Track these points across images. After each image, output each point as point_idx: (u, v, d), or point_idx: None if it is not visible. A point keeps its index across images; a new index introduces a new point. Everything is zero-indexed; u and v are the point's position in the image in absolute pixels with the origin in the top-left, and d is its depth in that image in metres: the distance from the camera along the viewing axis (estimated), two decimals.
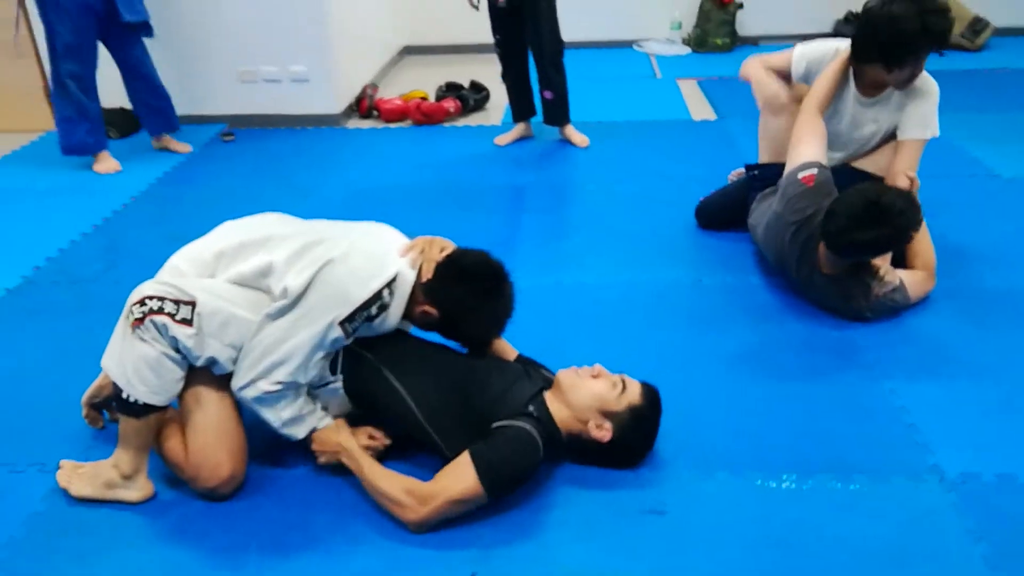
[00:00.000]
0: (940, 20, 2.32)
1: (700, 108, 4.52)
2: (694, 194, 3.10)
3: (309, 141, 4.15)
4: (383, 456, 1.81)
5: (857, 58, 2.49)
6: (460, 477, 1.64)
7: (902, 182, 2.45)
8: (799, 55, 2.69)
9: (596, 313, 2.48)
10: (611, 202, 3.34)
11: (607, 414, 1.74)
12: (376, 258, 1.79)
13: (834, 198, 2.29)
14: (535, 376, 1.86)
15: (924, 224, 2.56)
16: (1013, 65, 5.13)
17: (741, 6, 5.63)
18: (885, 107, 2.59)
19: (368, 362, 1.82)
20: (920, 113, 2.50)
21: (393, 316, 1.80)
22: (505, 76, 3.89)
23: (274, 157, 3.96)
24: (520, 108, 4.00)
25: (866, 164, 2.72)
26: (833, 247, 2.24)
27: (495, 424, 1.71)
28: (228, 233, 1.91)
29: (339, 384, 1.82)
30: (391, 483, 1.69)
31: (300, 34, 4.14)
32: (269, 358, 1.70)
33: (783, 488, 1.76)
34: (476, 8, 3.78)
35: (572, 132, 4.01)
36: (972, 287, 2.54)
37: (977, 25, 5.54)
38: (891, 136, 2.65)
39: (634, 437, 1.78)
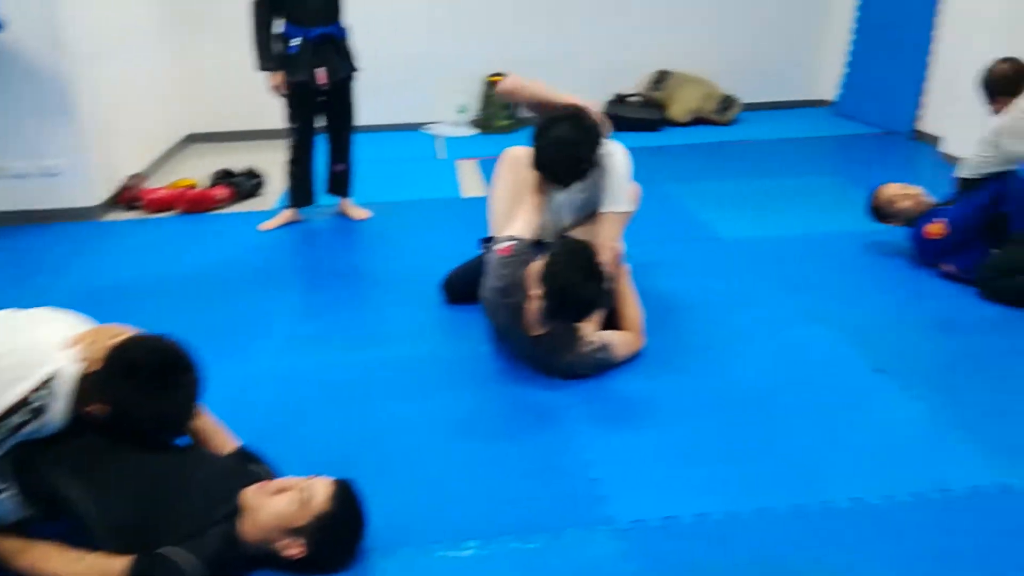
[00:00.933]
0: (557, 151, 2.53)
1: (473, 186, 4.72)
2: (447, 269, 3.21)
3: (55, 238, 3.94)
4: None
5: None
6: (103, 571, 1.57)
7: (604, 254, 2.63)
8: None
9: (327, 395, 2.48)
10: (366, 280, 3.39)
11: (294, 531, 1.69)
12: (25, 356, 1.69)
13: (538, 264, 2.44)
14: (244, 477, 1.81)
15: (630, 287, 2.78)
16: (756, 137, 5.75)
17: None
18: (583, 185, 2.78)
19: (47, 463, 1.71)
20: (610, 189, 2.71)
21: (56, 418, 1.71)
22: (297, 162, 3.90)
23: (14, 256, 3.73)
24: (303, 194, 4.02)
25: (580, 235, 2.92)
26: (551, 307, 2.37)
27: (170, 547, 1.64)
28: None
29: (11, 492, 1.70)
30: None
31: (48, 128, 3.98)
32: None
33: (464, 556, 1.80)
34: (285, 96, 3.74)
35: (352, 207, 4.11)
36: (680, 342, 2.75)
37: (726, 102, 6.19)
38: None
39: (327, 545, 1.73)
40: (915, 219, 3.33)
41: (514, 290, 2.45)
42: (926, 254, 3.25)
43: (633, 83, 6.31)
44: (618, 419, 2.31)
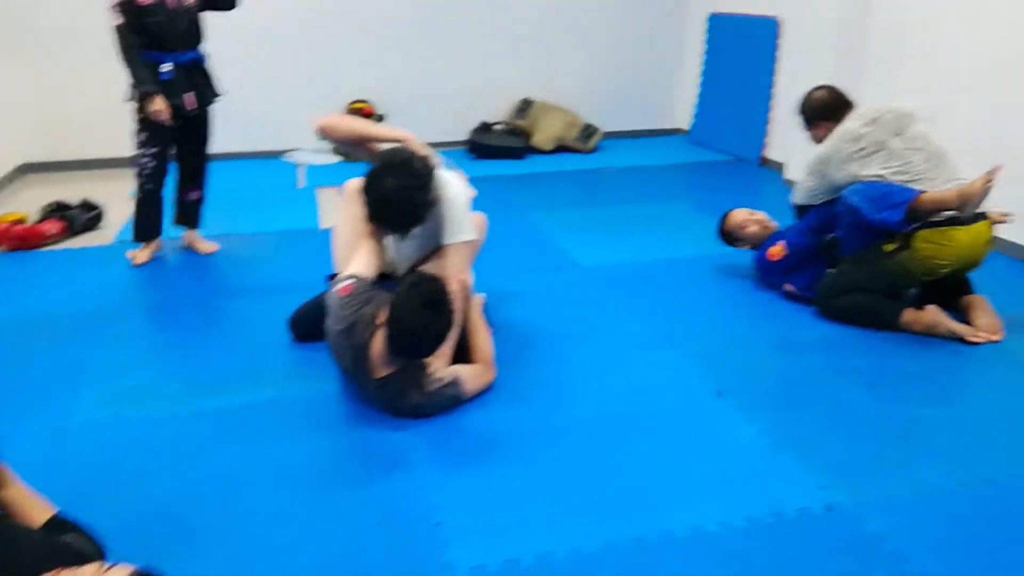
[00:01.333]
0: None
1: (334, 216, 4.57)
2: (296, 305, 3.06)
3: None
4: None
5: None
6: None
7: (452, 285, 2.59)
8: None
9: (155, 450, 2.28)
10: (209, 320, 3.20)
11: None
12: None
13: (381, 303, 2.36)
14: (57, 556, 1.60)
15: (481, 319, 2.74)
16: (617, 164, 5.91)
17: (382, 118, 5.93)
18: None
19: None
20: (451, 221, 2.67)
21: None
22: (152, 191, 3.69)
23: None
24: (153, 227, 3.81)
25: (430, 268, 2.86)
26: (395, 346, 2.30)
27: None
28: None
29: None
30: None
31: None
32: None
33: None
34: (167, 124, 3.53)
35: (199, 239, 3.93)
36: (531, 374, 2.73)
37: (588, 130, 6.34)
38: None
39: None
40: (761, 243, 3.48)
41: (356, 331, 2.36)
42: (769, 275, 3.40)
43: (497, 111, 6.36)
44: (464, 458, 2.25)
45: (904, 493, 2.07)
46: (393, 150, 2.59)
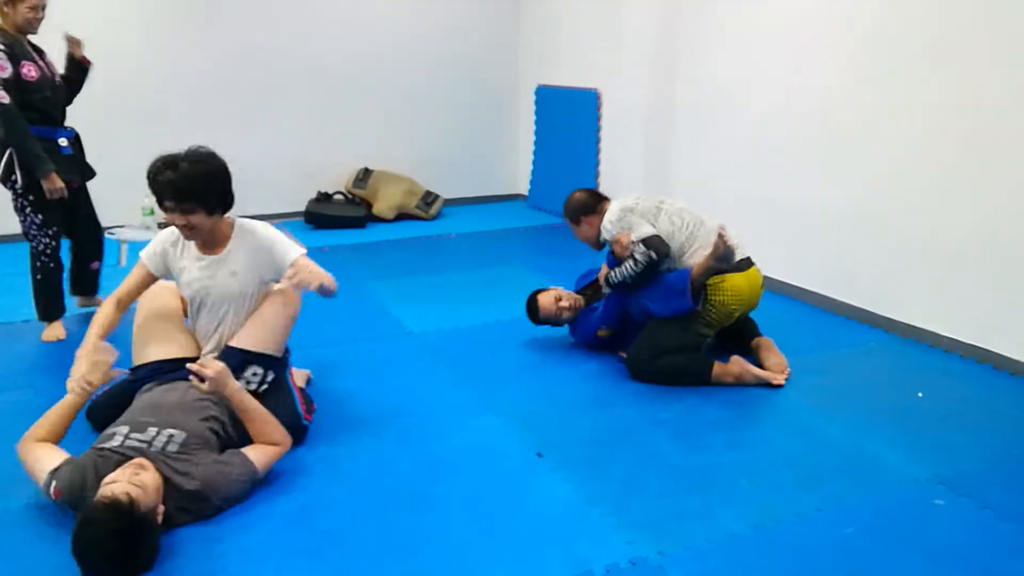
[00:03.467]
0: None
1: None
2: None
3: None
4: None
5: None
6: None
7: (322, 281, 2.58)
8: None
9: None
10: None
11: None
12: None
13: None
14: None
15: (247, 402, 2.48)
16: (457, 230, 6.01)
17: None
18: (223, 264, 2.65)
19: None
20: (279, 251, 2.66)
21: None
22: (55, 270, 3.66)
23: None
24: (58, 305, 3.73)
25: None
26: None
27: None
28: None
29: None
30: None
31: None
32: None
33: None
34: (61, 199, 3.52)
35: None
36: (350, 448, 2.65)
37: (428, 198, 6.43)
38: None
39: None
40: (571, 319, 3.58)
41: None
42: (586, 337, 3.52)
43: (336, 181, 6.34)
44: (275, 539, 2.14)
45: (703, 541, 2.15)
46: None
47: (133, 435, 2.24)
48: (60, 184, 3.44)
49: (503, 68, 6.80)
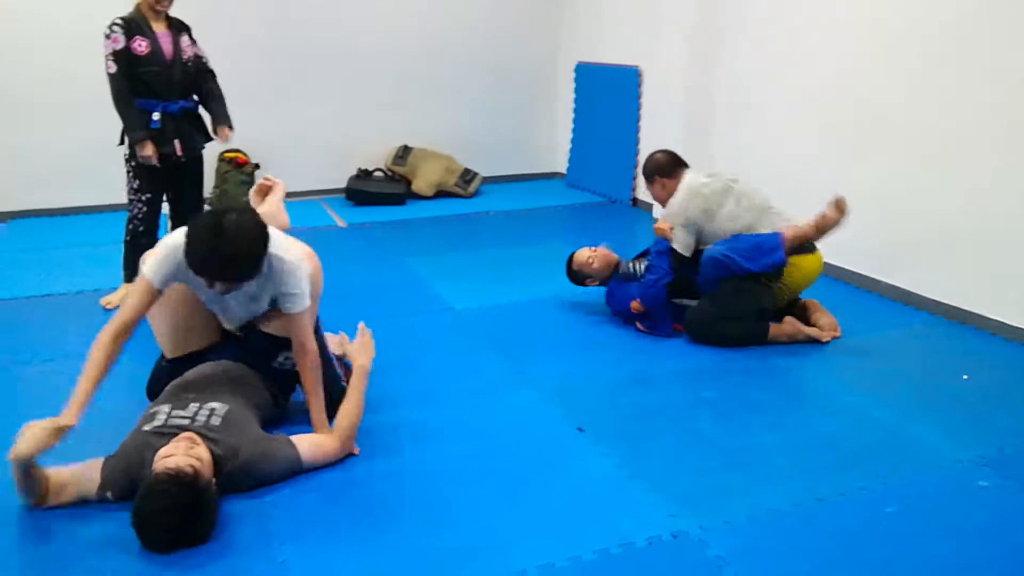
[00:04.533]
0: None
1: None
2: None
3: None
4: None
5: None
6: None
7: (306, 358, 2.51)
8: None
9: None
10: None
11: None
12: None
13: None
14: None
15: (357, 386, 2.55)
16: (496, 208, 6.03)
17: (258, 166, 5.84)
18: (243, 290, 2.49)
19: None
20: (288, 285, 2.44)
21: None
22: (146, 233, 3.80)
23: None
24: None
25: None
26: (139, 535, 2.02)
27: None
28: None
29: None
30: None
31: None
32: None
33: None
34: (139, 168, 3.71)
35: None
36: (394, 421, 2.71)
37: (467, 175, 6.45)
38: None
39: None
40: (607, 277, 3.63)
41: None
42: (624, 316, 3.56)
43: (376, 158, 6.39)
44: (322, 507, 2.21)
45: (744, 517, 2.18)
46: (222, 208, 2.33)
47: (176, 412, 2.24)
48: (150, 152, 3.63)
49: (543, 45, 6.77)
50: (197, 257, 2.20)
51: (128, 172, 3.76)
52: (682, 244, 3.40)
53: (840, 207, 3.15)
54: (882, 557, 2.01)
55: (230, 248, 2.19)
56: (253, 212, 2.42)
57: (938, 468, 2.42)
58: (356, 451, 2.48)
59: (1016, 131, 3.27)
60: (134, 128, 3.62)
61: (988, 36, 3.36)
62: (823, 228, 3.21)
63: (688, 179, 3.45)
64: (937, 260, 3.68)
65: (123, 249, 3.86)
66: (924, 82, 3.64)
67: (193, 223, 2.26)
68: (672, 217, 3.44)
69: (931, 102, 3.62)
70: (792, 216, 3.36)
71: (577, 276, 3.74)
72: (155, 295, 2.38)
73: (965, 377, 3.04)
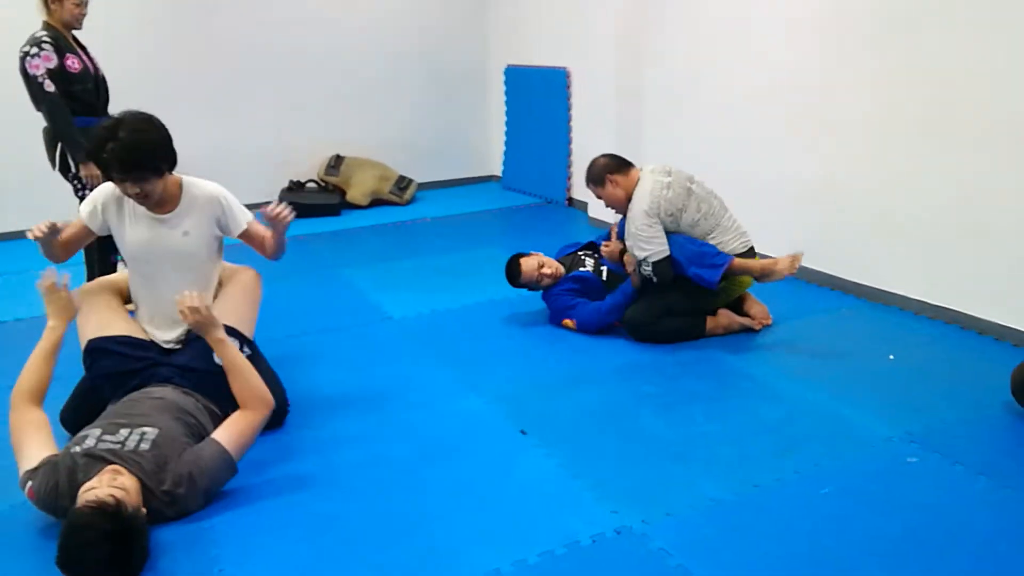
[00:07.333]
0: None
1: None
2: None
3: None
4: None
5: None
6: None
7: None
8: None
9: None
10: None
11: None
12: None
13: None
14: None
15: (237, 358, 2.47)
16: (432, 214, 6.01)
17: None
18: (175, 224, 2.63)
19: None
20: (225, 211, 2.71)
21: None
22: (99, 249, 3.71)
23: None
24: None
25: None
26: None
27: None
28: None
29: None
30: None
31: None
32: None
33: None
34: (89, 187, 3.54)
35: None
36: (335, 432, 2.68)
37: (402, 182, 6.41)
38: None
39: None
40: (550, 285, 3.63)
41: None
42: (556, 315, 3.61)
43: (308, 169, 6.30)
44: (267, 526, 2.16)
45: (686, 508, 2.21)
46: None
47: (106, 436, 2.19)
48: (97, 171, 3.50)
49: (471, 49, 6.77)
50: (103, 148, 2.35)
51: (75, 186, 3.67)
52: (659, 248, 3.24)
53: (794, 264, 3.17)
54: (819, 538, 2.06)
55: (132, 134, 2.38)
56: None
57: (869, 447, 2.50)
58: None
59: (936, 114, 3.39)
60: (80, 148, 3.51)
61: (906, 28, 3.49)
62: (768, 275, 3.22)
63: (648, 184, 3.31)
64: (861, 245, 3.80)
65: (85, 268, 3.77)
66: (846, 74, 3.76)
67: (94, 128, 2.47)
68: (640, 228, 3.27)
69: (851, 95, 3.74)
70: (742, 225, 3.44)
71: (521, 284, 3.66)
72: (85, 231, 2.63)
73: (891, 357, 3.15)
